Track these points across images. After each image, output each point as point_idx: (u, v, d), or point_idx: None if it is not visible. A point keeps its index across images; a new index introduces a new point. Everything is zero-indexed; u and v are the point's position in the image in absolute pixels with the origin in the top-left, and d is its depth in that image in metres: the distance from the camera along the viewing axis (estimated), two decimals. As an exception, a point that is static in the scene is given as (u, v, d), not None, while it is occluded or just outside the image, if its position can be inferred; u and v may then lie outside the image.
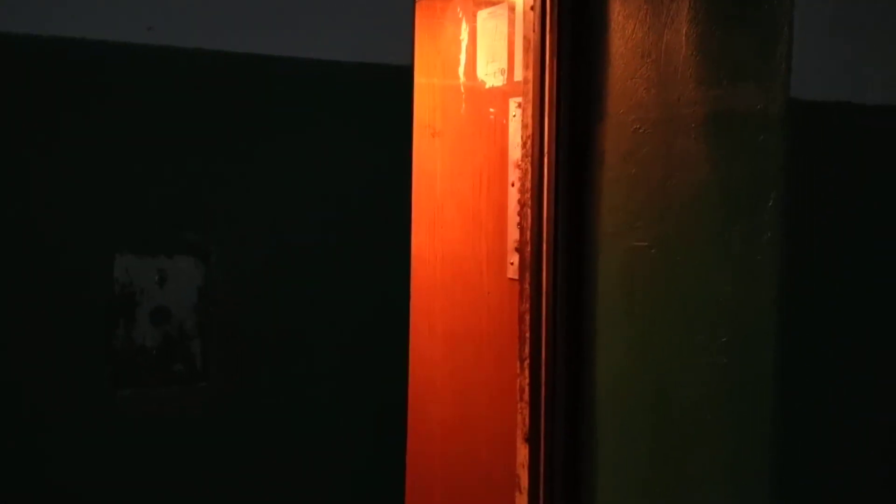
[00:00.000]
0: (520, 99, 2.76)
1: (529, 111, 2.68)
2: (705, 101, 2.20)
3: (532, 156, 2.68)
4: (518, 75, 2.83)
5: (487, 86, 3.03)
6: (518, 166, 2.77)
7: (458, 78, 3.16)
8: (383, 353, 1.77)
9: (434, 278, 3.22)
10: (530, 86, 2.68)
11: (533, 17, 2.65)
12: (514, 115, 2.86)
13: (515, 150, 2.82)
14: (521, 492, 2.75)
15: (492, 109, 3.01)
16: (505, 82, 2.95)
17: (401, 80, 1.73)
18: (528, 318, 2.72)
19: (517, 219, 2.79)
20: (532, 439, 2.71)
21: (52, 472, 1.55)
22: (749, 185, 2.10)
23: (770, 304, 2.07)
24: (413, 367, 1.81)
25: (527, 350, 2.72)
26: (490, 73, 3.03)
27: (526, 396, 2.72)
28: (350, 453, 1.75)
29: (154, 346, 1.59)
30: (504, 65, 2.95)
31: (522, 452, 2.74)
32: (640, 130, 2.39)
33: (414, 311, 1.81)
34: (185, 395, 1.62)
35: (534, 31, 2.66)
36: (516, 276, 2.82)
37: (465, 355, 3.11)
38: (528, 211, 2.69)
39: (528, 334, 2.72)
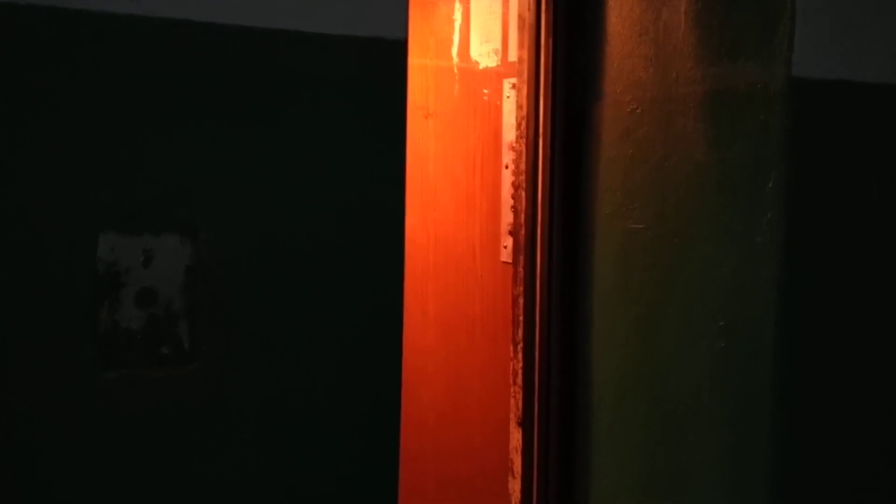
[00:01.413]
0: (514, 80, 2.72)
1: (524, 92, 2.64)
2: (704, 80, 2.16)
3: (527, 137, 2.64)
4: (512, 56, 2.79)
5: (481, 66, 2.99)
6: (512, 148, 2.73)
7: (451, 58, 3.12)
8: (376, 337, 1.74)
9: (427, 262, 3.18)
10: (525, 66, 2.64)
11: (528, -5, 2.61)
12: (509, 96, 2.82)
13: (510, 132, 2.78)
14: (514, 476, 2.72)
15: (485, 90, 2.97)
16: (499, 63, 2.91)
17: (394, 54, 1.69)
18: (521, 301, 2.69)
19: (511, 201, 2.75)
20: (525, 423, 2.68)
21: (35, 457, 1.51)
22: (749, 164, 2.07)
23: (770, 286, 2.05)
24: (405, 351, 1.78)
25: (520, 334, 2.69)
26: (484, 53, 2.99)
27: (519, 380, 2.69)
28: (342, 438, 1.72)
29: (140, 327, 1.55)
30: (498, 45, 2.91)
31: (516, 437, 2.71)
32: (638, 110, 2.35)
33: (406, 295, 1.77)
34: (173, 378, 1.58)
35: (529, 9, 2.61)
36: (510, 260, 2.78)
37: (458, 339, 3.08)
38: (523, 193, 2.66)
39: (521, 318, 2.69)
